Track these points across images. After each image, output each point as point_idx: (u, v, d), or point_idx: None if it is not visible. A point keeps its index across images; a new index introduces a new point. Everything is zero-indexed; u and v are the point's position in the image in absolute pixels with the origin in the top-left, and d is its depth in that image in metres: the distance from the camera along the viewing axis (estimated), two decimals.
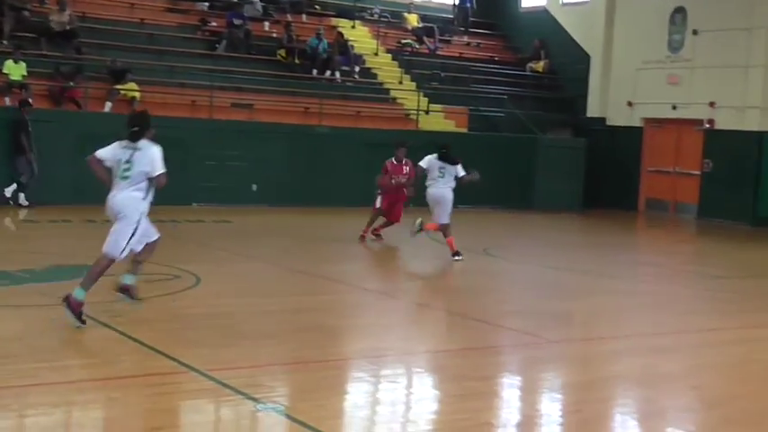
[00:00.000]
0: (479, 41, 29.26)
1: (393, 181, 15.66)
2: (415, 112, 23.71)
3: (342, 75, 24.22)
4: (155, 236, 8.87)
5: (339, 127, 21.99)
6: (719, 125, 23.93)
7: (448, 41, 28.36)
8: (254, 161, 20.67)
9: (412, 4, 28.50)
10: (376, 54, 25.95)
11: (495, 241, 15.21)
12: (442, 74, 26.11)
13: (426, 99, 24.48)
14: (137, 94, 20.33)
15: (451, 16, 29.10)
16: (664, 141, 25.54)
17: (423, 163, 14.39)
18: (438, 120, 24.56)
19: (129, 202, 8.53)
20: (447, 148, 14.34)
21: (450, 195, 14.26)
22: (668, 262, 16.67)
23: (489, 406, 7.09)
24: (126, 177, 8.52)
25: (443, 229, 14.22)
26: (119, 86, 20.29)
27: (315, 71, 23.77)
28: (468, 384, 7.48)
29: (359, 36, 26.24)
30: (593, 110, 27.02)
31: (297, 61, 23.83)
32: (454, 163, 14.25)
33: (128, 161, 8.52)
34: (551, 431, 6.67)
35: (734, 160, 23.37)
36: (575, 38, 27.75)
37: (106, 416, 6.42)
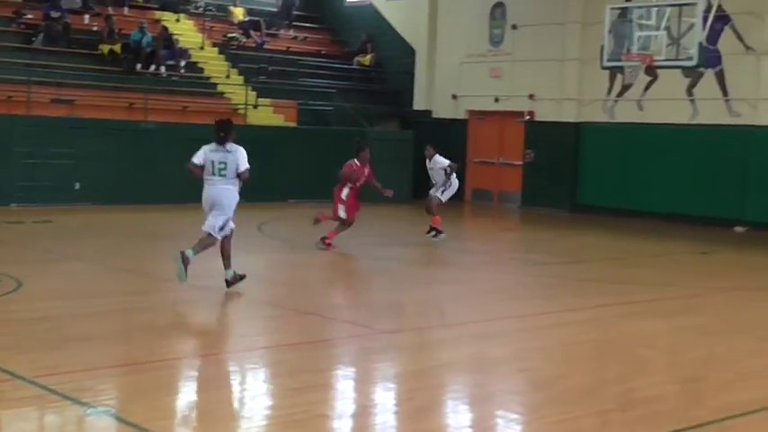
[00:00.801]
0: (306, 35, 29.27)
1: (357, 184, 15.32)
2: (243, 106, 23.52)
3: (167, 69, 23.76)
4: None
5: (165, 122, 21.58)
6: (539, 117, 24.78)
7: (275, 35, 28.24)
8: (77, 158, 20.02)
9: None
10: (202, 48, 25.58)
11: (324, 234, 15.27)
12: (270, 68, 25.99)
13: (254, 93, 24.32)
14: None
15: (277, 10, 28.96)
16: (488, 133, 26.24)
17: None
18: (267, 114, 24.45)
19: (226, 194, 10.67)
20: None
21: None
22: (494, 250, 17.17)
23: (324, 398, 7.13)
24: (223, 175, 10.60)
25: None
26: None
27: (139, 65, 23.23)
28: (302, 378, 7.50)
29: (184, 30, 25.79)
30: (419, 103, 27.48)
31: (120, 55, 23.23)
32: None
33: (222, 161, 10.59)
34: (386, 420, 6.76)
35: (553, 150, 24.27)
36: (400, 32, 28.13)
37: None
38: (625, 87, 22.86)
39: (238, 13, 27.55)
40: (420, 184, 25.65)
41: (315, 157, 22.51)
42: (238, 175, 10.65)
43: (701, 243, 17.98)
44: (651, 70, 20.28)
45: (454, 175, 17.56)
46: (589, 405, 7.05)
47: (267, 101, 24.61)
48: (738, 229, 20.12)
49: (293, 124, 24.79)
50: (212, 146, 10.71)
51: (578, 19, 23.73)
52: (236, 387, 7.42)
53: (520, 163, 25.24)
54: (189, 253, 10.51)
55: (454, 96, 26.63)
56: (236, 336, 9.03)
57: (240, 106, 23.61)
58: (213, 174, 10.62)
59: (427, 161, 17.86)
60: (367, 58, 28.52)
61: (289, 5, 28.79)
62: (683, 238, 18.79)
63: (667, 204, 21.55)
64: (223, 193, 10.67)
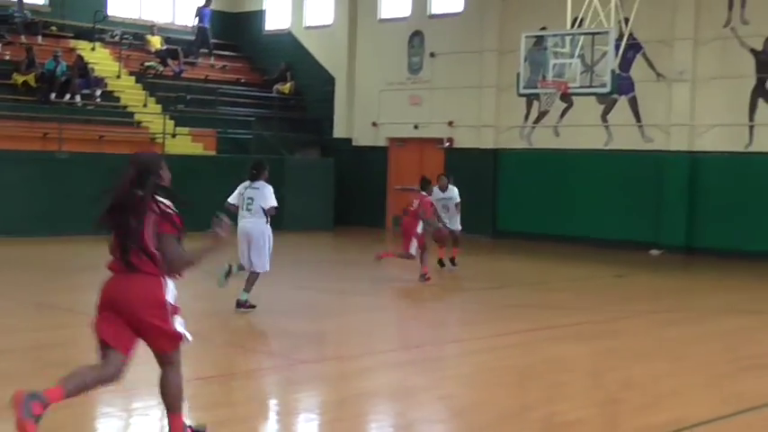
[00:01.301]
0: (225, 64, 29.14)
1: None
2: (161, 135, 23.27)
3: (82, 98, 23.42)
4: None
5: (81, 152, 21.22)
6: (458, 143, 25.00)
7: (193, 64, 28.06)
8: None
9: (155, 26, 28.01)
10: (118, 77, 25.28)
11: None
12: (188, 96, 25.79)
13: (172, 122, 24.10)
14: None
15: (195, 38, 28.76)
16: (408, 160, 26.37)
17: None
18: (185, 143, 24.23)
19: (256, 227, 11.65)
20: None
21: None
22: (415, 277, 17.17)
23: (243, 431, 7.03)
24: (249, 209, 11.62)
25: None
26: None
27: (53, 95, 22.85)
28: (220, 412, 7.38)
29: (100, 58, 25.47)
30: (339, 130, 27.52)
31: (34, 84, 22.82)
32: None
33: (250, 197, 11.61)
34: None
35: (473, 177, 24.44)
36: (319, 60, 28.19)
37: None
38: (542, 114, 23.20)
39: (155, 42, 27.32)
40: (340, 212, 25.73)
41: (235, 185, 22.28)
42: (264, 210, 11.58)
43: (616, 266, 18.26)
44: (566, 97, 20.60)
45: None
46: (509, 431, 7.06)
47: (185, 129, 24.40)
48: (653, 252, 20.51)
49: (212, 153, 24.62)
50: (246, 183, 11.81)
51: (495, 47, 24.06)
52: (153, 423, 7.26)
53: None
54: (243, 297, 11.72)
55: (374, 124, 26.73)
56: (150, 369, 8.83)
57: (158, 135, 23.35)
58: (242, 209, 11.66)
59: (440, 192, 17.20)
60: (286, 87, 28.49)
61: (205, 34, 28.60)
62: (600, 261, 19.07)
63: (585, 229, 21.90)
64: (250, 227, 11.64)
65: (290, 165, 24.86)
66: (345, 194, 26.17)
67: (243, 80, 28.89)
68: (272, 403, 8.04)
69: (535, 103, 23.02)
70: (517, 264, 18.69)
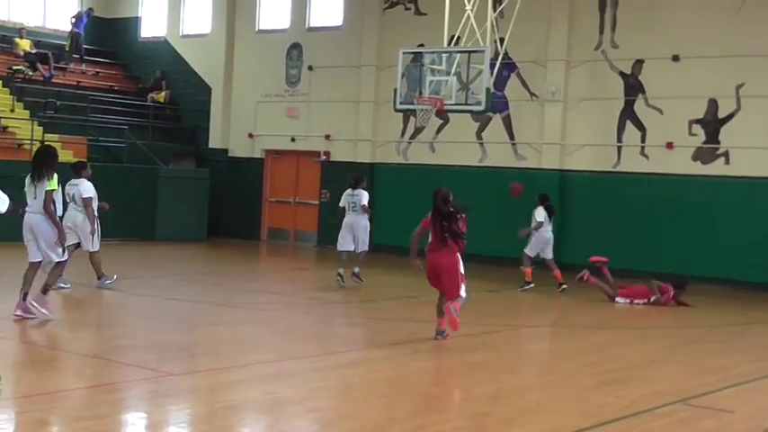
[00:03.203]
0: (98, 70, 28.52)
1: None
2: (29, 141, 22.58)
3: None
4: None
5: None
6: (335, 157, 25.04)
7: (64, 69, 27.36)
8: None
9: (24, 29, 27.20)
10: None
11: (117, 274, 14.80)
12: (59, 102, 25.12)
13: (41, 128, 23.42)
14: None
15: (65, 43, 28.01)
16: (284, 172, 26.29)
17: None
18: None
19: (361, 223, 16.96)
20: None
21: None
22: (288, 290, 17.11)
23: None
24: (355, 210, 16.80)
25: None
26: None
27: None
28: (82, 425, 7.17)
29: None
30: (215, 141, 27.23)
31: None
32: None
33: (353, 202, 16.85)
34: None
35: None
36: (196, 69, 27.85)
37: None
38: (418, 130, 23.43)
39: (24, 45, 26.53)
40: (214, 223, 25.43)
41: (106, 195, 21.80)
42: (363, 207, 16.82)
43: (490, 282, 18.52)
44: (442, 114, 20.86)
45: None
46: None
47: (55, 136, 23.71)
48: (523, 268, 20.86)
49: (83, 160, 23.94)
50: (349, 191, 17.05)
51: (373, 62, 24.21)
52: None
53: (316, 202, 25.39)
54: (356, 270, 16.97)
55: (251, 135, 26.55)
56: (11, 382, 8.54)
57: (25, 141, 22.66)
58: (348, 210, 16.90)
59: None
60: (161, 95, 28.05)
61: (79, 39, 27.91)
62: (474, 277, 19.08)
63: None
64: (354, 220, 16.89)
65: (164, 175, 24.48)
66: (220, 206, 25.90)
67: (117, 87, 28.31)
68: (139, 416, 7.85)
69: (412, 119, 23.17)
70: (391, 278, 18.76)
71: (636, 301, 16.16)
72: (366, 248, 17.12)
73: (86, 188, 14.03)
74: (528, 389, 9.43)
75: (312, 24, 25.81)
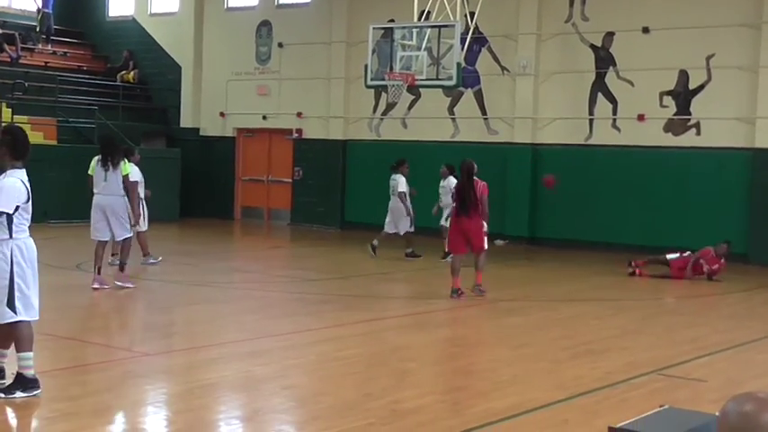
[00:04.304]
0: (66, 51, 28.23)
1: None
2: None
3: None
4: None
5: None
6: (307, 134, 24.96)
7: (31, 50, 27.06)
8: None
9: None
10: None
11: (91, 256, 14.72)
12: (27, 84, 24.85)
13: (10, 110, 23.17)
14: None
15: (34, 23, 27.66)
16: (256, 151, 26.19)
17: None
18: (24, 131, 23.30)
19: (393, 204, 18.02)
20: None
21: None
22: (262, 268, 17.09)
23: (81, 426, 6.80)
24: (393, 193, 17.90)
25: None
26: None
27: None
28: (57, 407, 7.14)
29: None
30: (186, 120, 27.06)
31: None
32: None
33: (391, 186, 17.96)
34: None
35: (322, 168, 24.50)
36: (165, 48, 27.63)
37: None
38: (390, 106, 23.38)
39: None
40: (187, 203, 25.31)
41: (76, 176, 21.65)
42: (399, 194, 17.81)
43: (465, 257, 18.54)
44: (414, 89, 20.82)
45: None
46: (352, 419, 7.07)
47: (24, 118, 23.44)
48: (498, 242, 20.95)
49: (53, 142, 23.79)
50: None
51: (343, 38, 24.11)
52: None
53: (289, 180, 25.33)
54: (408, 250, 17.98)
55: (222, 114, 26.41)
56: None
57: None
58: (390, 192, 18.05)
59: (441, 180, 18.23)
60: (131, 75, 27.81)
61: (49, 19, 27.58)
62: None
63: (429, 219, 22.04)
64: (391, 205, 18.09)
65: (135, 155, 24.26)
66: (192, 185, 25.78)
67: (85, 68, 28.04)
68: (112, 396, 7.81)
69: (383, 95, 23.14)
70: (362, 255, 18.76)
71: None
72: (406, 229, 17.97)
73: (133, 173, 14.31)
74: (502, 362, 9.47)
75: (281, 1, 25.64)
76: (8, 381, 7.43)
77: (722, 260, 16.43)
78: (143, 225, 15.67)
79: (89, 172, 13.31)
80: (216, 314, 11.79)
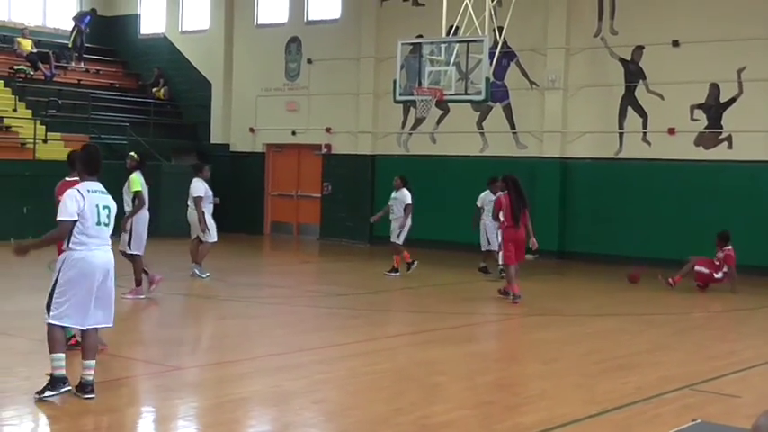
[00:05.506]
0: (99, 68, 28.53)
1: None
2: (32, 140, 22.60)
3: None
4: None
5: None
6: (336, 149, 25.05)
7: (65, 68, 27.37)
8: None
9: (26, 29, 27.20)
10: None
11: (119, 270, 14.81)
12: (60, 101, 25.14)
13: (44, 127, 23.44)
14: None
15: (67, 42, 27.98)
16: (285, 166, 26.31)
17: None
18: (58, 148, 23.50)
19: (486, 223, 17.47)
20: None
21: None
22: (292, 283, 17.14)
23: None
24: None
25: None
26: None
27: None
28: (90, 420, 7.20)
29: None
30: (216, 136, 27.25)
31: None
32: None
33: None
34: None
35: (351, 183, 24.56)
36: (196, 65, 27.86)
37: None
38: (418, 121, 23.44)
39: (26, 45, 26.54)
40: (217, 218, 25.25)
41: (109, 192, 21.83)
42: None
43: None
44: (442, 104, 20.85)
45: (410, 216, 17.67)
46: None
47: (57, 135, 23.76)
48: (529, 256, 20.86)
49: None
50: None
51: (372, 54, 24.20)
52: None
53: (318, 195, 25.41)
54: (481, 264, 17.89)
55: (252, 130, 26.56)
56: (22, 379, 8.58)
57: (28, 140, 22.69)
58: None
59: (393, 192, 18.09)
60: (162, 92, 28.05)
61: (82, 38, 27.89)
62: (474, 266, 19.26)
63: (459, 235, 22.01)
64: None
65: (166, 171, 24.47)
66: (223, 200, 25.78)
67: (117, 85, 28.33)
68: (145, 410, 7.89)
69: (412, 110, 23.23)
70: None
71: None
72: (496, 248, 16.89)
73: (195, 188, 15.73)
74: (532, 377, 9.45)
75: (310, 18, 25.81)
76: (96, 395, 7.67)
77: (722, 259, 16.37)
78: (210, 236, 16.33)
79: (138, 188, 13.41)
80: (246, 329, 11.85)
